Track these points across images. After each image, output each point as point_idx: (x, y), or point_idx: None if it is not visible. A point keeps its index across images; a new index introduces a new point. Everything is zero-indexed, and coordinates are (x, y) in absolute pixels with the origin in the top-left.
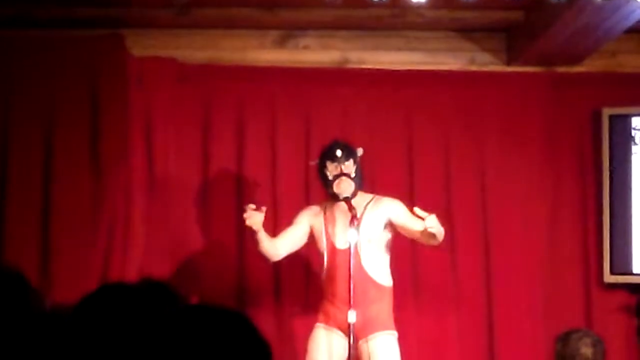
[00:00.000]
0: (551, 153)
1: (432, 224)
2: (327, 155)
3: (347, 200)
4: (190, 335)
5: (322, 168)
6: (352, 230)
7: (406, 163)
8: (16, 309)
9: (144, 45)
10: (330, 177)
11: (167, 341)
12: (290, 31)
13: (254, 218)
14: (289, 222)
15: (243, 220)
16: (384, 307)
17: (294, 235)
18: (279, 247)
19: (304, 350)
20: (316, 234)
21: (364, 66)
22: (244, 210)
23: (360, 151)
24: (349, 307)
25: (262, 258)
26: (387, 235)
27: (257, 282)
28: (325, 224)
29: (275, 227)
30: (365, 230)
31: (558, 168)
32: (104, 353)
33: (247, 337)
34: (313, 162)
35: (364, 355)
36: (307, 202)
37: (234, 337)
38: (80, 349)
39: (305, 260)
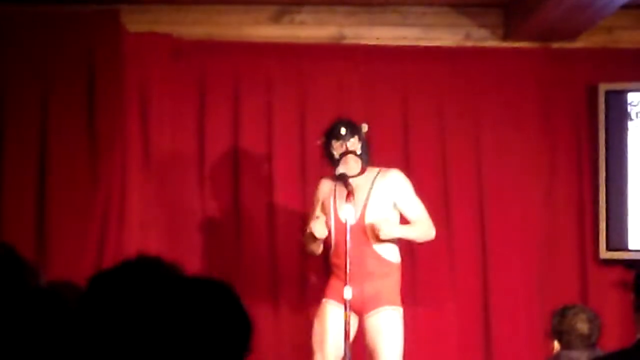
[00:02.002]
0: (547, 129)
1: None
2: (332, 134)
3: (343, 177)
4: (172, 306)
5: (327, 147)
6: (348, 206)
7: (402, 138)
8: (11, 284)
9: (140, 21)
10: (337, 156)
11: (149, 313)
12: (286, 7)
13: (318, 229)
14: (284, 197)
15: (240, 195)
16: (391, 283)
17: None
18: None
19: (305, 325)
20: (326, 209)
21: (360, 42)
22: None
23: (365, 127)
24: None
25: (258, 233)
26: (396, 214)
27: (253, 256)
28: (334, 200)
29: (271, 202)
30: (374, 206)
31: (554, 144)
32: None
33: (228, 307)
34: (319, 142)
35: (368, 329)
36: (303, 177)
37: (214, 307)
38: (79, 325)
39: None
